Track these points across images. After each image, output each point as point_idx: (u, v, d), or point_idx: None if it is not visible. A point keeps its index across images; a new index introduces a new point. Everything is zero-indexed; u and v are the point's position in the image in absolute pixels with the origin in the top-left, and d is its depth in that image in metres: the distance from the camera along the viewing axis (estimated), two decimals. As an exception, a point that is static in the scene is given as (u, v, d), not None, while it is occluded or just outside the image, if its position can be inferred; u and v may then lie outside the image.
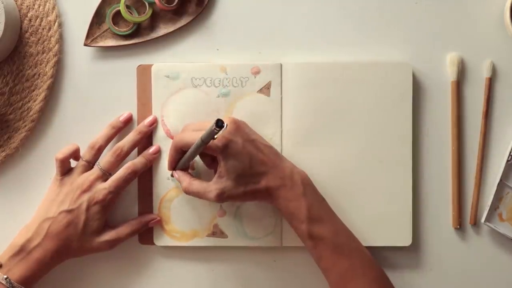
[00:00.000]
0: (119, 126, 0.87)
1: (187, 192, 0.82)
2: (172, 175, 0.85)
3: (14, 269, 0.81)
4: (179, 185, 0.86)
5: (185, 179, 0.82)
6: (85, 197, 0.83)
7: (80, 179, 0.84)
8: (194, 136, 0.79)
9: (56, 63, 0.88)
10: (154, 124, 0.87)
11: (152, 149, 0.87)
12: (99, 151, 0.86)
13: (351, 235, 0.82)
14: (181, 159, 0.83)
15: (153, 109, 0.87)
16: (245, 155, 0.79)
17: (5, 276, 0.81)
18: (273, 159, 0.81)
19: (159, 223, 0.87)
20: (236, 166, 0.78)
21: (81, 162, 0.85)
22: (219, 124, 0.72)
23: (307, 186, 0.81)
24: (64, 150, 0.84)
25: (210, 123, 0.74)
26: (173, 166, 0.84)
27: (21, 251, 0.82)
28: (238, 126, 0.80)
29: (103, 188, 0.83)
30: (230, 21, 0.88)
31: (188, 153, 0.81)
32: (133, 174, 0.85)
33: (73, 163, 0.86)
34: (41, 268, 0.82)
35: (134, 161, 0.85)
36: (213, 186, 0.80)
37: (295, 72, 0.86)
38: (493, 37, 0.87)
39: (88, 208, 0.83)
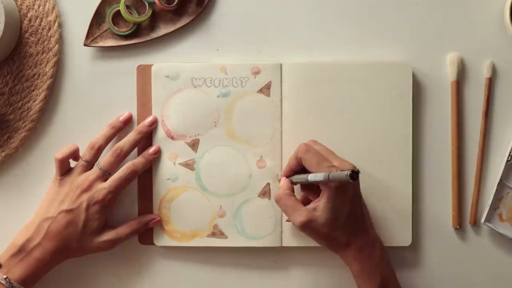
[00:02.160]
0: (119, 126, 0.87)
1: (278, 199, 0.81)
2: (279, 180, 0.86)
3: (14, 269, 0.81)
4: (179, 186, 0.86)
5: (285, 189, 0.82)
6: (85, 197, 0.83)
7: (80, 178, 0.84)
8: (318, 161, 0.79)
9: (56, 63, 0.88)
10: (154, 124, 0.87)
11: (152, 149, 0.87)
12: (98, 151, 0.86)
13: None
14: (295, 172, 0.83)
15: (153, 109, 0.87)
16: (348, 206, 0.78)
17: (4, 276, 0.81)
18: (366, 221, 0.81)
19: (159, 223, 0.87)
20: (336, 211, 0.78)
21: (81, 162, 0.85)
22: (354, 176, 0.72)
23: (384, 256, 0.81)
24: (63, 150, 0.84)
25: (341, 163, 0.78)
26: (289, 174, 0.84)
27: (21, 251, 0.82)
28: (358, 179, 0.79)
29: (103, 187, 0.83)
30: (230, 21, 0.88)
31: (308, 178, 0.79)
32: (133, 174, 0.85)
33: (72, 163, 0.86)
34: (40, 268, 0.82)
35: (134, 161, 0.85)
36: (303, 213, 0.78)
37: (295, 72, 0.86)
38: (493, 37, 0.87)
39: (87, 208, 0.83)
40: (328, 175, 0.75)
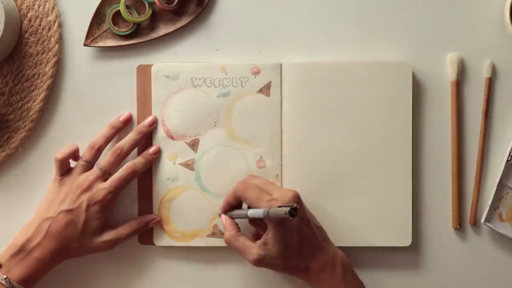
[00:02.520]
0: (119, 126, 0.87)
1: (228, 243, 0.82)
2: (219, 215, 0.86)
3: (14, 269, 0.81)
4: (179, 186, 0.86)
5: (231, 230, 0.82)
6: (85, 197, 0.83)
7: (80, 178, 0.84)
8: (257, 196, 0.79)
9: (56, 63, 0.88)
10: (154, 124, 0.87)
11: (152, 149, 0.87)
12: (98, 151, 0.86)
13: None
14: (234, 207, 0.84)
15: (153, 109, 0.87)
16: (296, 233, 0.79)
17: (4, 276, 0.81)
18: (320, 242, 0.81)
19: (159, 223, 0.87)
20: (285, 241, 0.78)
21: (81, 162, 0.85)
22: (293, 213, 0.72)
23: (347, 270, 0.80)
24: (63, 150, 0.84)
25: (282, 194, 0.78)
26: (226, 210, 0.84)
27: (21, 251, 0.82)
28: (298, 200, 0.79)
29: (103, 188, 0.83)
30: (230, 21, 0.88)
31: (247, 214, 0.80)
32: (133, 174, 0.85)
33: (72, 163, 0.86)
34: (40, 268, 0.82)
35: (134, 161, 0.85)
36: (255, 250, 0.79)
37: (295, 72, 0.86)
38: (493, 37, 0.87)
39: (88, 208, 0.83)
40: (268, 212, 0.75)
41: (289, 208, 0.72)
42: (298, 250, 0.79)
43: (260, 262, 0.79)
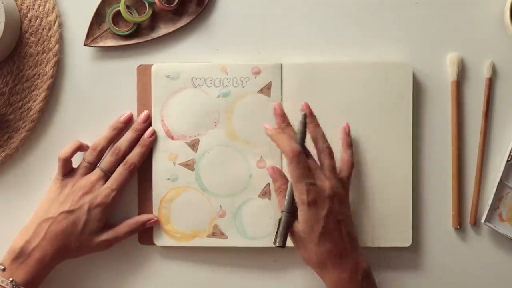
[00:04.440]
0: (120, 127, 0.87)
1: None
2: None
3: (17, 272, 0.81)
4: (179, 186, 0.86)
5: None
6: (87, 199, 0.83)
7: (82, 181, 0.84)
8: (300, 175, 0.79)
9: (56, 63, 0.88)
10: (148, 119, 0.87)
11: (147, 133, 0.86)
12: (101, 152, 0.86)
13: None
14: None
15: (153, 109, 0.87)
16: (320, 225, 0.78)
17: (10, 279, 0.81)
18: (346, 247, 0.79)
19: (157, 223, 0.87)
20: (308, 226, 0.78)
21: (84, 164, 0.86)
22: (277, 245, 0.80)
23: (366, 281, 0.79)
24: (66, 149, 0.85)
25: (318, 187, 0.79)
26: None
27: (21, 253, 0.82)
28: (333, 197, 0.79)
29: (105, 187, 0.84)
30: (230, 21, 0.88)
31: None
32: (133, 167, 0.85)
33: (75, 163, 0.86)
34: (41, 269, 0.82)
35: (129, 155, 0.86)
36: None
37: (295, 72, 0.86)
38: (493, 37, 0.87)
39: (89, 210, 0.83)
40: (281, 215, 0.80)
41: (279, 242, 0.79)
42: (320, 238, 0.78)
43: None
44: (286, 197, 0.80)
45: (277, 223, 0.80)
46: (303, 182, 0.78)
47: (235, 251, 0.88)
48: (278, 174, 0.83)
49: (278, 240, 0.79)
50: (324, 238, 0.78)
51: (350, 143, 0.85)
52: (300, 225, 0.79)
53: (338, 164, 0.83)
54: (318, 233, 0.78)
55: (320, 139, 0.83)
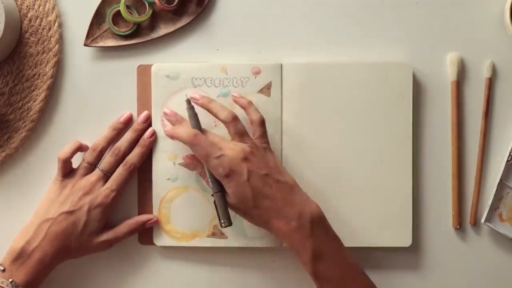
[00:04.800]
0: (119, 127, 0.87)
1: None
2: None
3: (17, 273, 0.81)
4: (179, 186, 0.86)
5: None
6: (87, 199, 0.83)
7: (82, 181, 0.84)
8: (207, 153, 0.79)
9: (56, 63, 0.88)
10: (148, 120, 0.87)
11: (147, 134, 0.86)
12: (101, 153, 0.86)
13: (358, 272, 0.80)
14: None
15: (153, 109, 0.87)
16: (248, 188, 0.78)
17: (10, 280, 0.80)
18: (282, 195, 0.79)
19: (157, 223, 0.87)
20: (238, 195, 0.78)
21: (83, 164, 0.86)
22: (222, 226, 0.80)
23: (317, 225, 0.78)
24: (66, 150, 0.85)
25: (228, 155, 0.78)
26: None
27: (21, 254, 0.82)
28: (246, 157, 0.79)
29: (105, 188, 0.84)
30: (230, 21, 0.88)
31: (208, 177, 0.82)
32: (132, 167, 0.85)
33: (75, 164, 0.86)
34: (41, 270, 0.82)
35: (129, 156, 0.86)
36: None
37: (295, 72, 0.86)
38: (493, 37, 0.87)
39: (89, 210, 0.83)
40: (214, 199, 0.80)
41: (224, 222, 0.79)
42: (254, 204, 0.78)
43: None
44: (209, 180, 0.80)
45: (214, 207, 0.80)
46: (211, 157, 0.78)
47: (235, 251, 0.88)
48: (195, 160, 0.83)
49: (222, 221, 0.79)
50: (258, 199, 0.78)
51: (248, 102, 0.84)
52: (231, 198, 0.78)
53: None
54: (250, 198, 0.78)
55: (219, 110, 0.83)
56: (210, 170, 0.79)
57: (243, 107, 0.84)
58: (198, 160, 0.83)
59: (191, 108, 0.83)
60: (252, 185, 0.78)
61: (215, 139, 0.80)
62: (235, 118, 0.82)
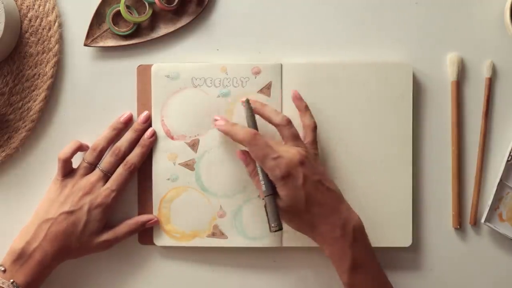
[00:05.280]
0: (119, 127, 0.87)
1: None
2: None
3: (18, 274, 0.81)
4: (179, 186, 0.86)
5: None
6: (87, 199, 0.83)
7: (82, 181, 0.84)
8: (264, 154, 0.78)
9: (56, 63, 0.88)
10: (148, 120, 0.87)
11: (147, 134, 0.86)
12: (101, 153, 0.86)
13: (389, 286, 0.81)
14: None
15: (153, 109, 0.87)
16: (302, 193, 0.78)
17: (11, 281, 0.80)
18: (331, 203, 0.79)
19: (157, 223, 0.87)
20: (291, 198, 0.78)
21: (83, 164, 0.86)
22: (272, 230, 0.78)
23: (358, 236, 0.79)
24: (66, 150, 0.85)
25: (284, 157, 0.78)
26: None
27: (22, 254, 0.82)
28: (303, 161, 0.78)
29: (105, 188, 0.84)
30: (230, 21, 0.88)
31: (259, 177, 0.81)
32: (132, 168, 0.85)
33: (75, 164, 0.86)
34: (42, 270, 0.82)
35: (129, 156, 0.86)
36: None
37: (295, 72, 0.86)
38: (493, 37, 0.87)
39: (89, 211, 0.83)
40: (265, 202, 0.79)
41: (275, 226, 0.77)
42: (305, 208, 0.78)
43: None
44: (261, 182, 0.80)
45: (264, 210, 0.80)
46: (269, 158, 0.78)
47: (235, 251, 0.88)
48: (249, 157, 0.83)
49: (273, 225, 0.78)
50: (310, 204, 0.78)
51: (306, 106, 0.84)
52: (283, 201, 0.78)
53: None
54: (303, 202, 0.78)
55: (273, 114, 0.83)
56: (266, 171, 0.78)
57: (299, 110, 0.85)
58: (251, 158, 0.82)
59: (249, 109, 0.82)
60: (306, 190, 0.78)
61: (271, 142, 0.80)
62: (289, 122, 0.82)
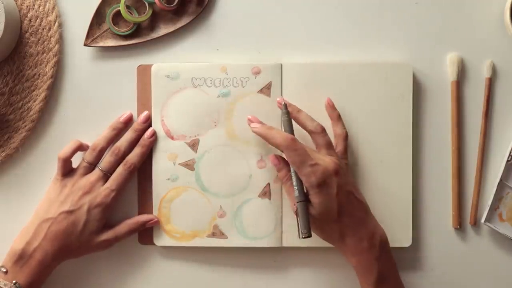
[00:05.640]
0: (119, 127, 0.87)
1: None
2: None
3: (19, 275, 0.81)
4: (179, 186, 0.86)
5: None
6: (87, 199, 0.83)
7: (82, 181, 0.84)
8: (302, 160, 0.78)
9: (56, 63, 0.88)
10: (148, 120, 0.87)
11: (147, 134, 0.86)
12: (100, 152, 0.86)
13: None
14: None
15: (153, 109, 0.87)
16: (335, 202, 0.78)
17: (14, 281, 0.81)
18: (360, 214, 0.80)
19: (157, 223, 0.87)
20: (324, 207, 0.78)
21: (83, 164, 0.86)
22: (301, 236, 0.78)
23: (384, 249, 0.80)
24: (66, 149, 0.85)
25: (321, 164, 0.78)
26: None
27: (23, 255, 0.82)
28: (337, 171, 0.78)
29: (105, 187, 0.84)
30: (230, 21, 0.88)
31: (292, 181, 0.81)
32: (132, 167, 0.85)
33: (75, 163, 0.86)
34: (43, 270, 0.82)
35: (129, 155, 0.86)
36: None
37: (295, 72, 0.86)
38: (493, 37, 0.87)
39: (89, 210, 0.83)
40: (296, 206, 0.79)
41: (305, 233, 0.77)
42: (338, 217, 0.78)
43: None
44: (295, 187, 0.79)
45: (295, 216, 0.79)
46: (307, 165, 0.77)
47: (235, 251, 0.88)
48: (282, 162, 0.83)
49: (303, 232, 0.78)
50: (341, 214, 0.78)
51: (338, 115, 0.85)
52: (316, 208, 0.78)
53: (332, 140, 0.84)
54: (335, 212, 0.78)
55: (308, 120, 0.83)
56: (302, 177, 0.78)
57: (332, 118, 0.85)
58: (285, 164, 0.82)
59: (287, 113, 0.82)
60: (338, 200, 0.78)
61: (308, 148, 0.80)
62: (323, 130, 0.82)
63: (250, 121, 0.84)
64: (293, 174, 0.80)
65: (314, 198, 0.78)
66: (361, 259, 0.79)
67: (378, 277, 0.79)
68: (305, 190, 0.79)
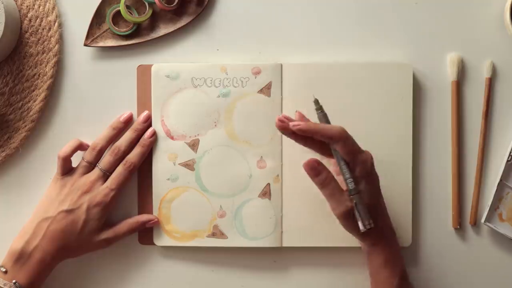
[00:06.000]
0: (119, 127, 0.87)
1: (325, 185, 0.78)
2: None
3: (19, 274, 0.81)
4: (179, 186, 0.86)
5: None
6: (86, 198, 0.83)
7: (81, 180, 0.84)
8: (354, 151, 0.76)
9: (56, 63, 0.88)
10: (148, 120, 0.87)
11: (147, 134, 0.86)
12: (100, 152, 0.86)
13: None
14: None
15: (153, 109, 0.87)
16: (379, 190, 0.78)
17: (14, 281, 0.81)
18: (384, 205, 0.80)
19: (157, 224, 0.87)
20: (373, 194, 0.77)
21: (83, 163, 0.86)
22: (364, 228, 0.76)
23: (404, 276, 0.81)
24: (66, 148, 0.85)
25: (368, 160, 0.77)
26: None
27: (22, 254, 0.82)
28: (373, 162, 0.78)
29: (105, 187, 0.84)
30: (230, 21, 0.88)
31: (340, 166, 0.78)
32: (132, 167, 0.85)
33: (74, 163, 0.86)
34: (42, 269, 0.82)
35: (129, 155, 0.86)
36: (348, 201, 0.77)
37: (295, 72, 0.86)
38: (493, 37, 0.87)
39: (88, 209, 0.83)
40: (355, 203, 0.76)
41: (371, 223, 0.75)
42: (383, 208, 0.79)
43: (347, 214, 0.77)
44: (348, 180, 0.76)
45: (354, 209, 0.76)
46: (361, 151, 0.77)
47: (235, 251, 0.88)
48: (321, 166, 0.78)
49: (367, 223, 0.75)
50: (381, 204, 0.79)
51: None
52: (366, 196, 0.76)
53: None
54: (383, 202, 0.79)
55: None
56: (358, 165, 0.76)
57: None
58: (323, 167, 0.78)
59: (320, 108, 0.79)
60: (379, 188, 0.79)
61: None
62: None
63: (283, 120, 0.77)
64: (343, 167, 0.77)
65: (367, 184, 0.76)
66: (391, 249, 0.79)
67: (403, 273, 0.80)
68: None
